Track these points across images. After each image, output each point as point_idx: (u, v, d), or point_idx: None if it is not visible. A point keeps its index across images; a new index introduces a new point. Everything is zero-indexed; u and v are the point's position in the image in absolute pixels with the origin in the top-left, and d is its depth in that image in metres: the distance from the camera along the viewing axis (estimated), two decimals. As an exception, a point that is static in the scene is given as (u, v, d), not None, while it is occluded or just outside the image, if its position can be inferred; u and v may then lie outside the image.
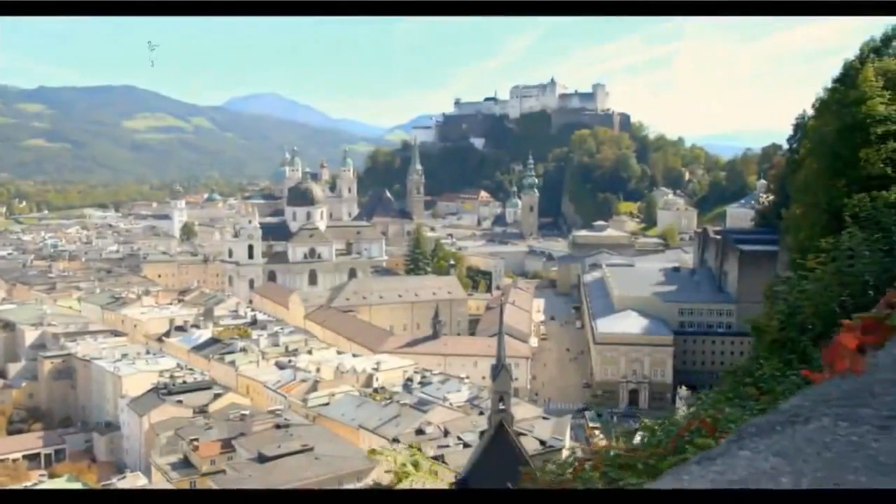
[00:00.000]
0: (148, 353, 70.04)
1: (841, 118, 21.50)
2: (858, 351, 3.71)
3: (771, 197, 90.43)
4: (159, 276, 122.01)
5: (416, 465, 2.77)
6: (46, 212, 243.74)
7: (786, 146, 78.40)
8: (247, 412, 52.26)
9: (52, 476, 51.10)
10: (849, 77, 22.29)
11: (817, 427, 2.24)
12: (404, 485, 2.62)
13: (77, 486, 45.94)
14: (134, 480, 48.17)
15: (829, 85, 24.07)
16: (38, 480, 49.20)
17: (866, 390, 3.00)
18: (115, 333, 77.77)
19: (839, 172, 20.92)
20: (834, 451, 2.19)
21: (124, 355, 67.40)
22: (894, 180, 16.39)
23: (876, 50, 22.71)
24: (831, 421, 2.31)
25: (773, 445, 2.27)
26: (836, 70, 23.99)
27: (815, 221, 21.60)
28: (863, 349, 3.80)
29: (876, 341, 2.90)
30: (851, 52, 24.03)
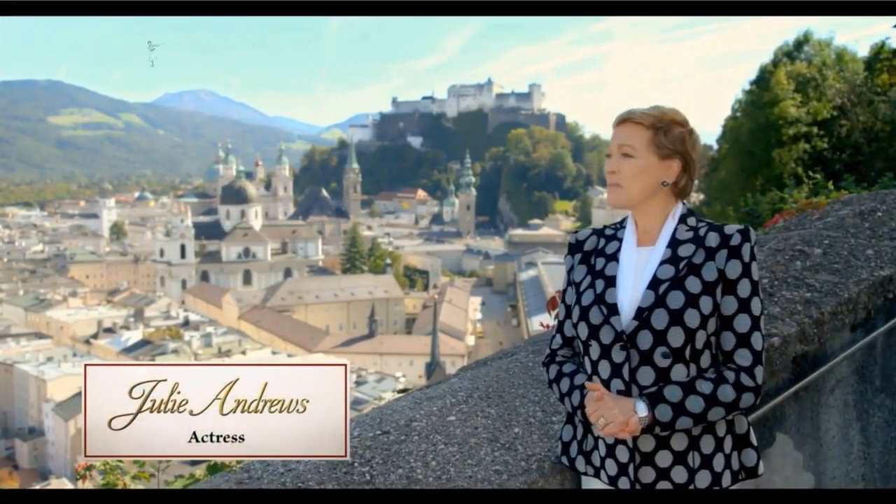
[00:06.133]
0: (75, 355, 67.82)
1: (755, 119, 22.47)
2: None
3: (701, 196, 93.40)
4: (87, 276, 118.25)
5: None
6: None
7: (715, 146, 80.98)
8: (178, 414, 51.35)
9: (-30, 485, 49.23)
10: (764, 79, 23.27)
11: (512, 359, 2.95)
12: None
13: (-2, 494, 44.35)
14: (59, 486, 46.79)
15: (747, 87, 25.04)
16: (-44, 490, 47.39)
17: (563, 334, 3.78)
18: (40, 336, 75.15)
19: (754, 172, 21.86)
20: (509, 373, 2.78)
21: (49, 358, 65.25)
22: (803, 179, 17.28)
23: (788, 54, 23.75)
24: (525, 355, 3.01)
25: (475, 373, 2.86)
26: (753, 72, 25.04)
27: (730, 219, 22.50)
28: None
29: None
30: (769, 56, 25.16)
